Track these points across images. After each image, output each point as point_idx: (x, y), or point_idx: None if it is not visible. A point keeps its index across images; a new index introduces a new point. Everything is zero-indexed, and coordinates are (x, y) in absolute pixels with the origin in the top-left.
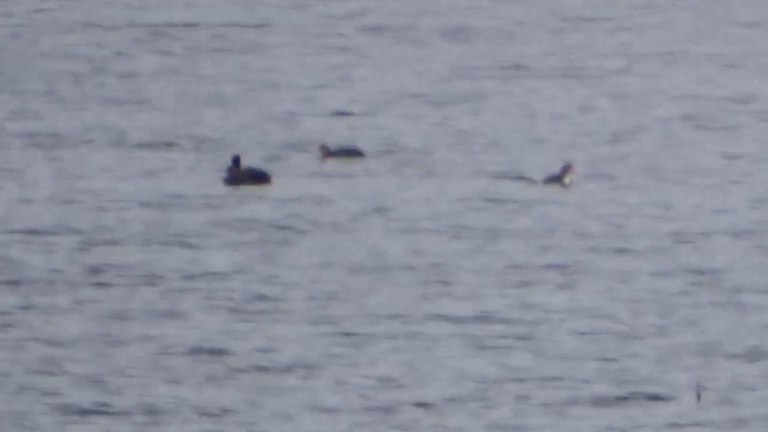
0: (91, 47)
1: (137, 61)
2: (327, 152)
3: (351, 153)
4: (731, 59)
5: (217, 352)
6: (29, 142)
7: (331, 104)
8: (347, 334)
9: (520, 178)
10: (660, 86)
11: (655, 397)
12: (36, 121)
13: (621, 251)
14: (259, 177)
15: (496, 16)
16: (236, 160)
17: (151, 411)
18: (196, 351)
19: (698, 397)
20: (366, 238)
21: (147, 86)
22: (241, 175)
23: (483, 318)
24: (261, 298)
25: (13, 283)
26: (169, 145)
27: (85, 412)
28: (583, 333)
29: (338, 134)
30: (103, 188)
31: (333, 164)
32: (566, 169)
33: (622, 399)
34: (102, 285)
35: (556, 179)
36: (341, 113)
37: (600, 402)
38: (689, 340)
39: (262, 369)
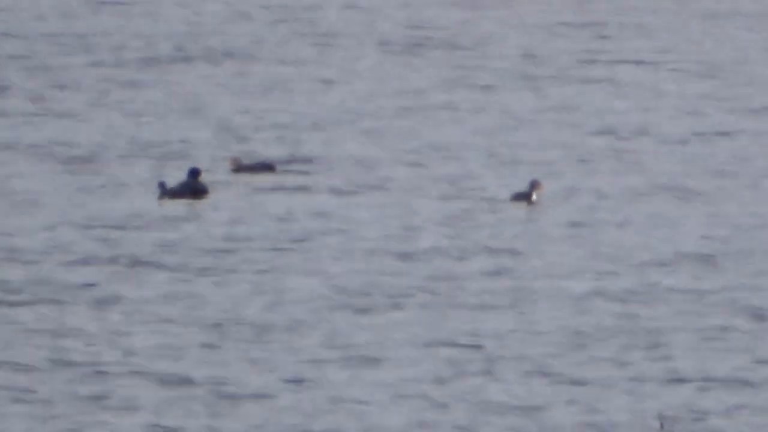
0: (36, 59)
1: (83, 73)
2: (239, 165)
3: (265, 167)
4: (707, 69)
5: (172, 377)
6: None
7: (285, 118)
8: (305, 361)
9: (487, 195)
10: (628, 100)
11: (618, 425)
12: None
13: (588, 271)
14: (194, 190)
15: (462, 26)
16: (194, 172)
17: None
18: (148, 375)
19: (661, 426)
20: (321, 258)
21: (90, 99)
22: (175, 189)
23: (445, 342)
24: (213, 322)
25: None
26: (111, 159)
27: None
28: (546, 356)
29: (291, 148)
30: (46, 204)
31: (285, 179)
32: (534, 185)
33: (586, 426)
34: (51, 304)
35: (524, 197)
36: (295, 127)
37: (563, 428)
38: (653, 366)
39: (217, 394)
